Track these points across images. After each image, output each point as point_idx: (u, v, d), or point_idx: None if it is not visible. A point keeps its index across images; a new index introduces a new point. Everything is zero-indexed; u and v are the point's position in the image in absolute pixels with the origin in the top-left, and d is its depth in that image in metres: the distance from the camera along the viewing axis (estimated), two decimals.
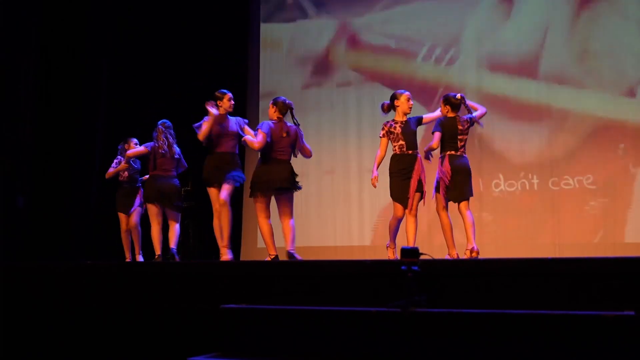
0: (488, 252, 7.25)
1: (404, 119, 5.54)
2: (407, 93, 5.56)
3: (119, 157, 7.10)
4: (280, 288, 4.32)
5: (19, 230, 7.92)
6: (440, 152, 5.46)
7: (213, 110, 5.75)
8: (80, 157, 8.56)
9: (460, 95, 5.49)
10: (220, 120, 5.84)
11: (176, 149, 6.47)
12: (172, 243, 6.27)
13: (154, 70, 8.92)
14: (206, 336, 4.35)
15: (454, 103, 5.45)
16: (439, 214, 5.46)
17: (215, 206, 5.89)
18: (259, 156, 5.71)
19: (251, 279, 4.47)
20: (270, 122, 5.63)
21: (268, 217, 5.62)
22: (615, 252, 6.90)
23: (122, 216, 7.04)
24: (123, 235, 7.04)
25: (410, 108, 5.53)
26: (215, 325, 4.09)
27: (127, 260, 6.97)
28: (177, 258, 6.16)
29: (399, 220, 5.51)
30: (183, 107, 8.69)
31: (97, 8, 8.90)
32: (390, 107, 5.60)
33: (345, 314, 3.66)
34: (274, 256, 5.56)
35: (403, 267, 3.56)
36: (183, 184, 9.35)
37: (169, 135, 6.40)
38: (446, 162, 5.36)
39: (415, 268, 3.57)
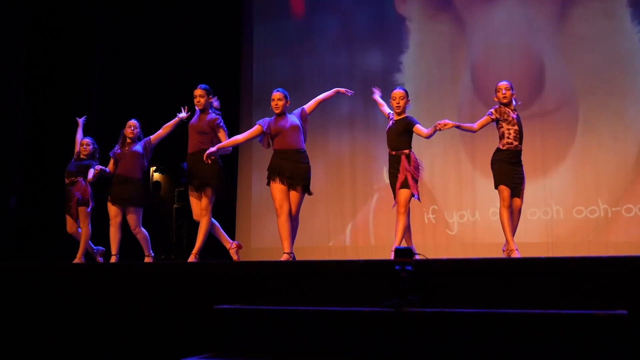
0: (482, 251, 7.28)
1: (396, 118, 5.51)
2: (395, 90, 5.51)
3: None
4: (274, 288, 4.31)
5: (11, 231, 7.89)
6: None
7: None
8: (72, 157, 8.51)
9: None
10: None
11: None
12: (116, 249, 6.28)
13: (147, 69, 8.91)
14: (200, 337, 4.34)
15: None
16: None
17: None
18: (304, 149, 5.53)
19: (245, 279, 4.46)
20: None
21: None
22: (607, 251, 6.94)
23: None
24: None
25: (398, 107, 5.43)
26: (209, 325, 4.08)
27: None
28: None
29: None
30: (178, 105, 8.69)
31: (89, 3, 8.89)
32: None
33: (338, 314, 3.66)
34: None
35: (397, 267, 3.57)
36: (177, 184, 9.33)
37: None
38: None
39: (409, 268, 3.57)
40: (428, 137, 5.38)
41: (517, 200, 5.34)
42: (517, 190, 5.33)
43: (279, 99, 5.52)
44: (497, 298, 3.65)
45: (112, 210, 6.29)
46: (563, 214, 7.40)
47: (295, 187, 5.42)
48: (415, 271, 3.59)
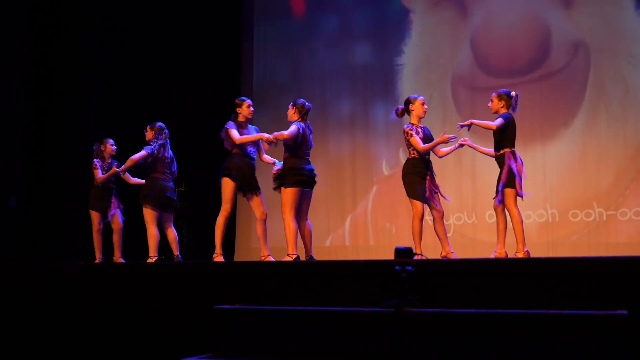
0: (482, 251, 7.27)
1: (420, 124, 5.51)
2: (422, 97, 5.52)
3: (96, 159, 6.96)
4: (274, 288, 4.32)
5: (11, 231, 7.88)
6: (505, 147, 5.23)
7: (267, 144, 5.73)
8: (73, 157, 8.52)
9: (515, 93, 5.35)
10: (243, 127, 5.88)
11: (170, 153, 6.51)
12: (177, 249, 6.41)
13: (147, 69, 8.90)
14: (200, 337, 4.35)
15: (509, 100, 5.32)
16: (509, 209, 5.19)
17: (226, 206, 5.83)
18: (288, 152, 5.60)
19: (245, 280, 4.46)
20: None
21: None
22: (607, 252, 6.94)
23: (96, 215, 6.94)
24: (95, 235, 6.90)
25: (425, 112, 5.50)
26: (209, 325, 4.08)
27: (98, 261, 6.87)
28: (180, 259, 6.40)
29: (421, 220, 5.41)
30: (177, 106, 8.70)
31: (90, 4, 8.88)
32: (404, 111, 5.54)
33: (338, 314, 3.66)
34: (295, 256, 5.51)
35: (397, 267, 3.57)
36: (177, 184, 9.33)
37: (167, 139, 6.48)
38: (519, 157, 5.22)
39: (409, 268, 3.57)
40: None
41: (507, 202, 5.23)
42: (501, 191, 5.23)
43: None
44: (497, 298, 3.65)
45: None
46: (559, 217, 7.39)
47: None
48: (415, 271, 3.59)
